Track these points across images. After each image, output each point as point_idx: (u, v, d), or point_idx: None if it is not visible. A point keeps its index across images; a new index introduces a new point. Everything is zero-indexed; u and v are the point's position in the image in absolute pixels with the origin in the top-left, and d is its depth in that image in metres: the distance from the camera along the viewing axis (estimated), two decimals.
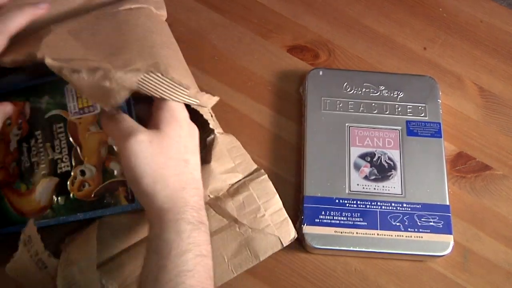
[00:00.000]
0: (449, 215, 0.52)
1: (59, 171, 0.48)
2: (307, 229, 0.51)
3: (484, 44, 0.65)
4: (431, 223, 0.51)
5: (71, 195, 0.47)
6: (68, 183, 0.47)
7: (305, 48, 0.64)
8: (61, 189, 0.47)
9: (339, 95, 0.58)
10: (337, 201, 0.52)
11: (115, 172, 0.47)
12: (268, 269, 0.52)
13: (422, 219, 0.51)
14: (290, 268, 0.52)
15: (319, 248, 0.50)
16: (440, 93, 0.59)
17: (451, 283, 0.52)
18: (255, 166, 0.52)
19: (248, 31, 0.64)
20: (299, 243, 0.52)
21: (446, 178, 0.54)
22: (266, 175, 0.51)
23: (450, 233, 0.51)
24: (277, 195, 0.50)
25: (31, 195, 0.48)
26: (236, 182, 0.51)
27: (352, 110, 0.57)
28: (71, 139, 0.48)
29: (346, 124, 0.56)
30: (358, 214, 0.51)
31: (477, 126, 0.60)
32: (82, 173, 0.47)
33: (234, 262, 0.48)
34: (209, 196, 0.50)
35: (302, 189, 0.53)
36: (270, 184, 0.50)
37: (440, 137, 0.56)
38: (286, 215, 0.50)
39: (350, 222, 0.51)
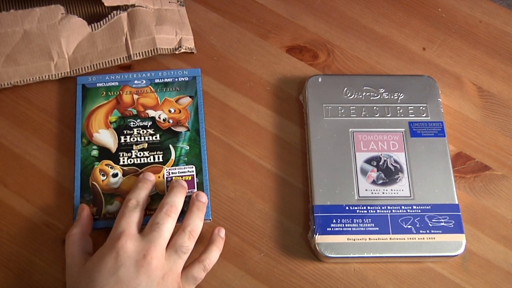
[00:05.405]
0: (459, 214, 0.52)
1: None
2: (319, 239, 0.50)
3: (483, 44, 0.65)
4: (442, 224, 0.51)
5: None
6: None
7: (304, 49, 0.64)
8: None
9: (340, 101, 0.57)
10: (347, 208, 0.52)
11: None
12: (269, 271, 0.52)
13: (433, 220, 0.51)
14: (291, 271, 0.52)
15: (333, 257, 0.50)
16: (440, 92, 0.59)
17: (450, 283, 0.52)
18: None
19: (247, 32, 0.64)
20: (312, 252, 0.52)
21: (453, 176, 0.54)
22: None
23: (462, 232, 0.51)
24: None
25: None
26: None
27: (354, 115, 0.57)
28: None
29: (350, 130, 0.56)
30: (369, 219, 0.51)
31: (476, 126, 0.60)
32: None
33: None
34: None
35: (311, 198, 0.53)
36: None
37: (444, 136, 0.56)
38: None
39: (362, 229, 0.51)
